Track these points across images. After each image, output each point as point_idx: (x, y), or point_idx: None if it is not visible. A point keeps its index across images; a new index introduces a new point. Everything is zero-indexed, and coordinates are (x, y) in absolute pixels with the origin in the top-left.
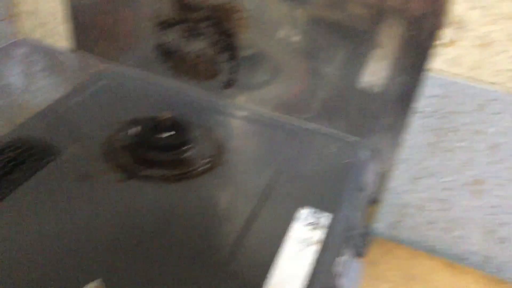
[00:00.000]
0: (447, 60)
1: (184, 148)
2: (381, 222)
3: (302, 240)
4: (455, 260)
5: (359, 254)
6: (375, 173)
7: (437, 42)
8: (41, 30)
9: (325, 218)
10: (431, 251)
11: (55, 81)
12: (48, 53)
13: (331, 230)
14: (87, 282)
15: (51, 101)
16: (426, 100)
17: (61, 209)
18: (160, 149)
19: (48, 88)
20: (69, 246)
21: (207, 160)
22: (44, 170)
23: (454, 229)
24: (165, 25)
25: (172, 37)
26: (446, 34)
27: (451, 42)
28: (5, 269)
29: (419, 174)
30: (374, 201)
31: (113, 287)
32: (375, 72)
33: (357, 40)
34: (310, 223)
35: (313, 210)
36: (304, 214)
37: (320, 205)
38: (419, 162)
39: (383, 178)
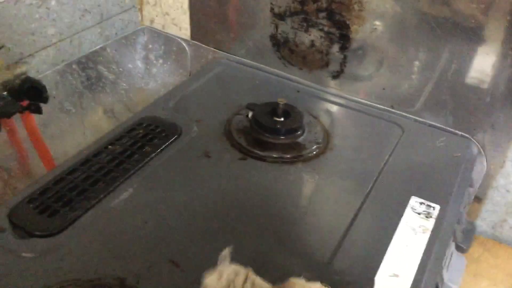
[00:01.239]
0: None
1: (296, 133)
2: (484, 221)
3: (414, 227)
4: None
5: (462, 249)
6: (483, 169)
7: None
8: (163, 19)
9: (436, 210)
10: None
11: (172, 68)
12: (167, 42)
13: (440, 221)
14: (214, 246)
15: (166, 87)
16: None
17: (187, 181)
18: (274, 132)
19: (165, 74)
20: (195, 215)
21: (317, 145)
22: (171, 146)
23: None
24: (281, 15)
25: (286, 27)
26: None
27: None
28: (144, 233)
29: None
30: (478, 199)
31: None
32: (488, 68)
33: (467, 34)
34: (421, 212)
35: (424, 200)
36: (415, 203)
37: (430, 196)
38: None
39: (489, 175)
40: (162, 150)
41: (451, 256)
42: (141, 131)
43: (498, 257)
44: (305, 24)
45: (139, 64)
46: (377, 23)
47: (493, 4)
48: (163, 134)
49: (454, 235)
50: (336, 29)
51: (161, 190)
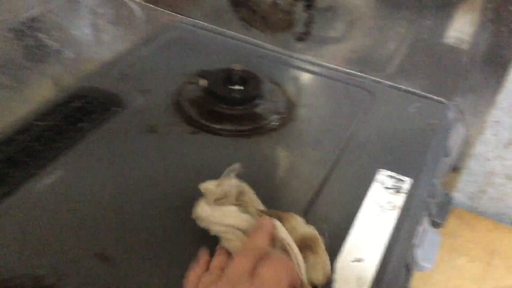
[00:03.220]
0: None
1: (255, 102)
2: (462, 192)
3: (381, 204)
4: None
5: (437, 224)
6: (460, 136)
7: None
8: None
9: (406, 183)
10: None
11: (122, 33)
12: (117, 5)
13: (411, 196)
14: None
15: (118, 53)
16: None
17: (126, 161)
18: (230, 102)
19: (116, 40)
20: (134, 200)
21: (279, 115)
22: (112, 120)
23: None
24: None
25: None
26: None
27: None
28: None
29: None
30: (455, 168)
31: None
32: (467, 28)
33: None
34: (390, 186)
35: (393, 173)
36: (384, 177)
37: (401, 168)
38: None
39: (467, 143)
40: (99, 124)
41: (425, 232)
42: (77, 103)
43: (476, 230)
44: None
45: (87, 30)
46: None
47: None
48: (102, 107)
49: (428, 209)
50: None
51: (95, 171)
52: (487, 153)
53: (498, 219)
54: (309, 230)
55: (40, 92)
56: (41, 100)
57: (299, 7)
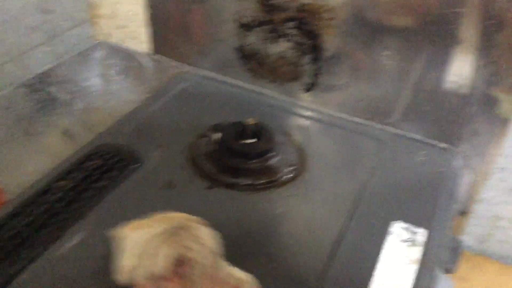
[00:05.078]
0: None
1: (268, 155)
2: (470, 235)
3: (398, 259)
4: None
5: (449, 270)
6: (466, 182)
7: None
8: (120, 33)
9: (421, 235)
10: None
11: (132, 84)
12: (126, 56)
13: (428, 247)
14: None
15: (129, 104)
16: None
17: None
18: (244, 156)
19: (126, 91)
20: None
21: (292, 167)
22: (130, 178)
23: None
24: (248, 26)
25: (254, 38)
26: None
27: None
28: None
29: None
30: (462, 212)
31: None
32: (467, 75)
33: (442, 39)
34: (406, 239)
35: (407, 225)
36: (398, 229)
37: (414, 219)
38: None
39: (474, 188)
40: (120, 183)
41: (440, 279)
42: (95, 161)
43: (487, 273)
44: (273, 35)
45: (97, 81)
46: (350, 31)
47: (467, 6)
48: (121, 164)
49: (442, 256)
50: (306, 39)
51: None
52: (493, 198)
53: (506, 261)
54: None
55: (52, 143)
56: (54, 152)
57: (306, 60)
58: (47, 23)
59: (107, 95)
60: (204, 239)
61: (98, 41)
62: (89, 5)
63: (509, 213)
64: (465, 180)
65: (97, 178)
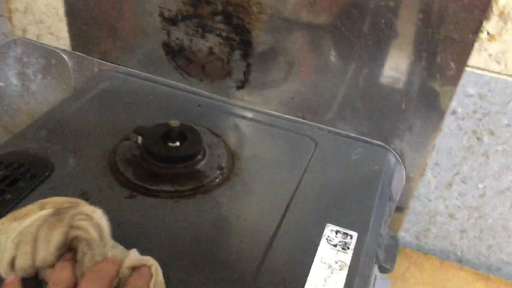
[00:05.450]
0: (488, 56)
1: (195, 159)
2: (407, 232)
3: (330, 264)
4: (489, 271)
5: (385, 269)
6: (402, 178)
7: (477, 36)
8: (37, 28)
9: (353, 238)
10: (462, 262)
11: (52, 84)
12: (44, 54)
13: (360, 251)
14: None
15: (48, 105)
16: (462, 99)
17: None
18: (168, 161)
19: (46, 91)
20: None
21: (221, 170)
22: (39, 189)
23: (487, 238)
24: (173, 20)
25: (180, 33)
26: (487, 27)
27: (492, 36)
28: None
29: (451, 180)
30: (399, 209)
31: None
32: (401, 69)
33: (377, 35)
34: (338, 243)
35: (340, 228)
36: (331, 233)
37: (347, 221)
38: (451, 168)
39: (410, 184)
40: (25, 195)
41: (374, 279)
42: (2, 172)
43: (425, 270)
44: (200, 29)
45: (14, 80)
46: (280, 26)
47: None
48: (29, 174)
49: (377, 257)
50: (235, 34)
51: None
52: (429, 193)
53: (444, 256)
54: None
55: None
56: None
57: (236, 56)
58: None
59: (27, 95)
60: (95, 218)
61: (13, 38)
62: None
63: (445, 208)
64: (400, 176)
65: (1, 190)
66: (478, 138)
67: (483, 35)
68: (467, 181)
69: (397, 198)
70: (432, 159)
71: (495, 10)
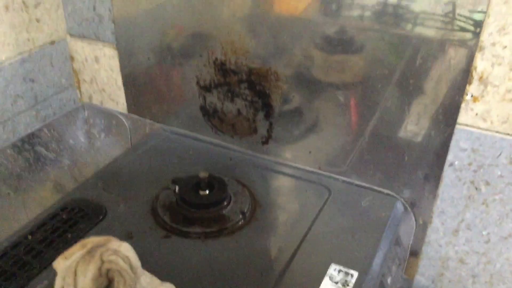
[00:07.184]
0: (474, 115)
1: (221, 205)
2: (423, 276)
3: None
4: None
5: None
6: (412, 225)
7: (464, 97)
8: (100, 95)
9: (354, 277)
10: None
11: (113, 141)
12: (106, 116)
13: None
14: None
15: (109, 159)
16: (457, 153)
17: None
18: (198, 206)
19: (108, 146)
20: None
21: (243, 215)
22: (94, 230)
23: (498, 283)
24: (207, 88)
25: (214, 98)
26: (471, 90)
27: (476, 98)
28: None
29: (457, 227)
30: (414, 254)
31: None
32: (408, 126)
33: (386, 94)
34: (339, 281)
35: (342, 267)
36: (334, 271)
37: (351, 262)
38: (456, 215)
39: (420, 231)
40: (83, 234)
41: None
42: (64, 216)
43: None
44: (230, 95)
45: (82, 139)
46: (293, 91)
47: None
48: (87, 217)
49: None
50: (258, 98)
51: None
52: (439, 239)
53: None
54: None
55: (45, 197)
56: (46, 204)
57: (260, 116)
58: (32, 91)
59: (93, 151)
60: (122, 251)
61: (82, 104)
62: (73, 73)
63: (455, 254)
64: (410, 223)
65: (64, 231)
66: (476, 188)
67: (467, 97)
68: (471, 227)
69: (409, 244)
70: (437, 207)
71: (475, 75)
